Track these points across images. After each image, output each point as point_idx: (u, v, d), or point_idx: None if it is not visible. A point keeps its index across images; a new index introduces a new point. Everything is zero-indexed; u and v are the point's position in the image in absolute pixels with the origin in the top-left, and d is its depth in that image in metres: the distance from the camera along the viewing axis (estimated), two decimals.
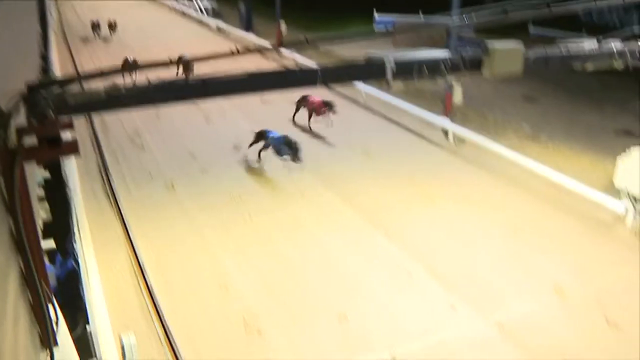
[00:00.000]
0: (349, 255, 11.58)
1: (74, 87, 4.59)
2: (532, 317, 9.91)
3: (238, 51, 4.42)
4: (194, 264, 11.25)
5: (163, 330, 9.39)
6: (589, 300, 10.35)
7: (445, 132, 18.10)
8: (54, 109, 4.31)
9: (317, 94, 18.26)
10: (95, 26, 33.42)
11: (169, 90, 4.55)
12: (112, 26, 33.54)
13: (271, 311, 9.93)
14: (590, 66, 6.38)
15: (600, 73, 18.74)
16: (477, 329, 9.60)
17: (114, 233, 12.26)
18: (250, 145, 15.64)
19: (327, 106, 18.01)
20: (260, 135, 15.47)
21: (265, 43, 29.15)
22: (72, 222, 11.61)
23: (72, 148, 4.66)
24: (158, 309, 9.84)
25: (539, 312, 10.05)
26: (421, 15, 28.07)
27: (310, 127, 18.36)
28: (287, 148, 14.75)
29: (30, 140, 4.29)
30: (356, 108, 21.33)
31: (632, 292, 10.61)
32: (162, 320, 9.57)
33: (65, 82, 4.51)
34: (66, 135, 4.69)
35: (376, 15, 32.15)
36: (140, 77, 4.44)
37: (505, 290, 10.62)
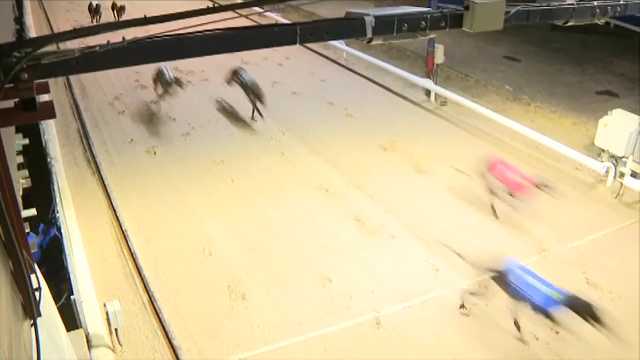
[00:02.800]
0: (332, 219, 11.59)
1: (50, 49, 4.47)
2: None
3: (213, 9, 4.31)
4: (177, 229, 11.21)
5: (148, 297, 9.39)
6: (571, 261, 10.45)
7: (428, 93, 18.04)
8: (29, 70, 4.19)
9: (298, 54, 18.06)
10: (94, 11, 27.30)
11: (144, 50, 4.43)
12: (117, 10, 27.30)
13: (255, 276, 9.94)
14: (571, 22, 6.32)
15: (582, 33, 18.75)
16: (460, 290, 9.67)
17: (97, 200, 12.17)
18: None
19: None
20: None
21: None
22: (54, 190, 11.53)
23: (49, 111, 4.55)
24: (142, 275, 9.83)
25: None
26: None
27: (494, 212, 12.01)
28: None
29: (5, 105, 4.20)
30: (338, 69, 21.21)
31: (612, 253, 10.75)
32: (147, 286, 9.57)
33: (39, 43, 4.38)
34: (43, 99, 4.59)
35: None
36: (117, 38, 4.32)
37: (487, 252, 10.67)
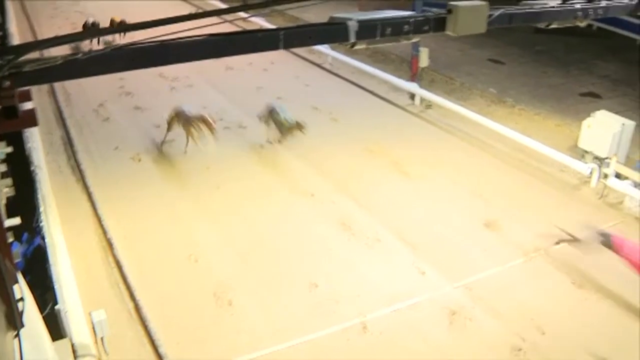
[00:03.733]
0: (318, 223, 11.57)
1: (33, 56, 4.44)
2: (500, 280, 10.04)
3: (195, 14, 4.30)
4: (163, 236, 11.15)
5: (134, 305, 9.33)
6: (556, 263, 10.50)
7: (412, 96, 18.07)
8: (10, 78, 4.16)
9: (283, 59, 18.02)
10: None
11: (127, 56, 4.42)
12: (117, 25, 26.39)
13: (242, 281, 9.90)
14: (554, 24, 6.38)
15: (564, 35, 18.86)
16: (447, 293, 9.70)
17: (81, 208, 12.07)
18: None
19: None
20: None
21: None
22: (38, 198, 11.43)
23: (30, 119, 4.53)
24: (128, 283, 9.76)
25: (507, 276, 10.17)
26: None
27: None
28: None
29: None
30: (323, 73, 21.20)
31: (597, 253, 10.78)
32: (132, 294, 9.50)
33: (21, 50, 4.35)
34: (25, 106, 4.56)
35: None
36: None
37: (473, 254, 10.72)
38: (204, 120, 13.89)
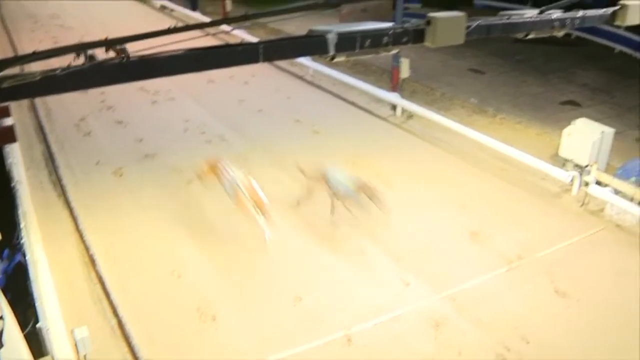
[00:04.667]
0: (300, 236, 11.53)
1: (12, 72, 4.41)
2: (484, 290, 10.07)
3: (175, 29, 4.29)
4: (145, 251, 11.07)
5: (116, 321, 9.25)
6: (539, 271, 10.56)
7: (394, 107, 18.13)
8: None
9: (264, 72, 18.01)
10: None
11: (107, 71, 4.40)
12: (117, 52, 25.09)
13: (225, 296, 9.85)
14: (531, 34, 6.43)
15: (544, 44, 19.02)
16: (431, 304, 9.70)
17: (63, 223, 11.96)
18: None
19: None
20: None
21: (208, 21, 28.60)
22: (19, 214, 11.32)
23: (9, 135, 4.50)
24: (110, 299, 9.67)
25: (491, 285, 10.21)
26: None
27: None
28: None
29: None
30: (304, 85, 21.21)
31: (579, 260, 10.90)
32: (115, 311, 9.41)
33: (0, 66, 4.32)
34: (4, 122, 4.53)
35: None
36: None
37: (457, 264, 10.74)
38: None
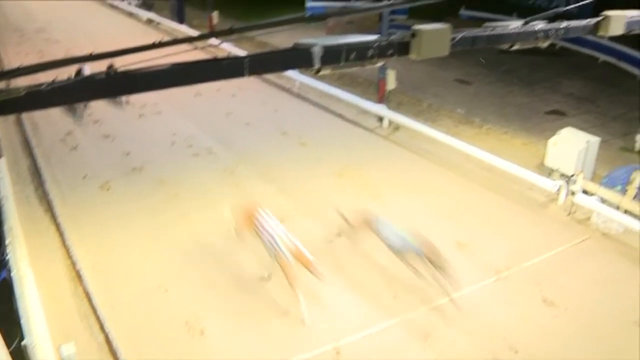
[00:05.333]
0: None
1: None
2: (473, 300, 10.06)
3: (160, 43, 4.28)
4: (132, 266, 11.01)
5: (104, 337, 9.18)
6: (527, 280, 10.60)
7: (380, 119, 18.18)
8: None
9: (251, 85, 18.00)
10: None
11: (91, 86, 4.38)
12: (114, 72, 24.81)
13: (213, 310, 9.81)
14: (516, 45, 6.47)
15: (529, 54, 19.18)
16: (420, 316, 9.69)
17: (49, 238, 11.88)
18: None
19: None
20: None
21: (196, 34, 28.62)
22: (4, 229, 11.24)
23: None
24: (98, 315, 9.60)
25: (479, 296, 10.21)
26: (353, 2, 28.15)
27: None
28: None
29: None
30: (291, 98, 21.23)
31: (566, 269, 10.95)
32: (103, 326, 9.34)
33: None
34: None
35: (308, 2, 32.22)
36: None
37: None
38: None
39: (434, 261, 9.57)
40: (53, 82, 4.25)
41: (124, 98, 4.61)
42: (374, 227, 10.50)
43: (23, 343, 8.10)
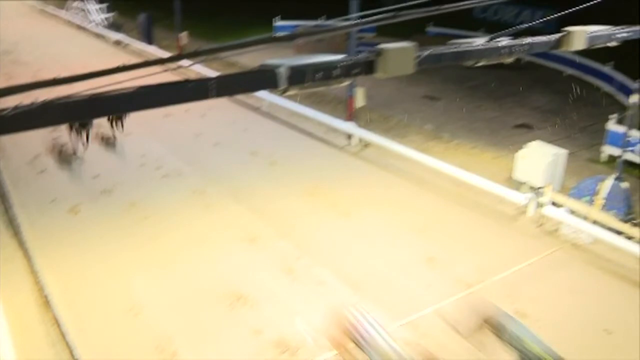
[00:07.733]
0: (259, 269, 11.47)
1: None
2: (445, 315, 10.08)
3: (128, 66, 4.26)
4: (101, 290, 10.87)
5: None
6: (498, 293, 10.64)
7: (349, 136, 18.24)
8: None
9: (220, 104, 17.95)
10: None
11: (55, 111, 4.33)
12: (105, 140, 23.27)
13: (184, 332, 9.71)
14: (481, 62, 6.55)
15: (497, 69, 19.44)
16: (392, 332, 9.66)
17: (17, 264, 11.68)
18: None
19: None
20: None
21: (165, 55, 28.56)
22: None
23: None
24: (67, 341, 9.44)
25: (452, 311, 10.23)
26: (322, 21, 28.28)
27: None
28: None
29: None
30: (260, 118, 21.22)
31: (537, 281, 11.05)
32: (72, 353, 9.20)
33: None
34: None
35: (276, 21, 32.38)
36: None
37: (416, 290, 10.78)
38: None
39: None
40: (16, 107, 4.20)
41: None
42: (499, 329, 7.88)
43: None
